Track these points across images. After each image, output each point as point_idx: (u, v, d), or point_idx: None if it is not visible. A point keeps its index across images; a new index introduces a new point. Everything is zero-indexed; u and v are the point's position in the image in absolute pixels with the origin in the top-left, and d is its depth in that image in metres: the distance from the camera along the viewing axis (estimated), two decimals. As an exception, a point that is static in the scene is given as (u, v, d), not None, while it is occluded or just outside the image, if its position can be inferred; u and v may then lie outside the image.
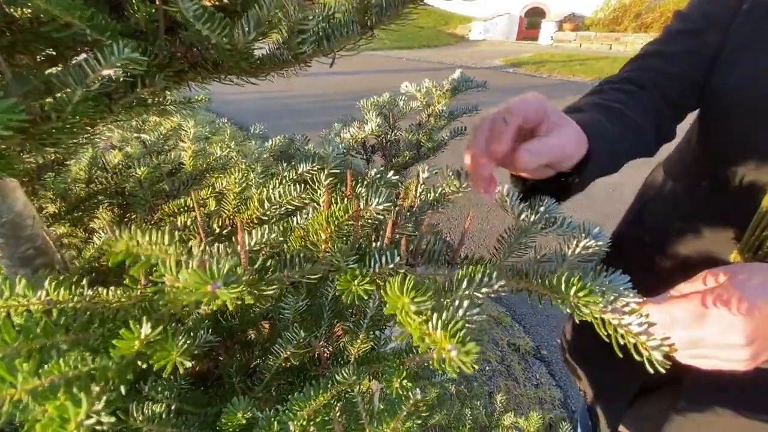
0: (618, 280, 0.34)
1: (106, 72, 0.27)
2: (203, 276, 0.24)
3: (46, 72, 0.34)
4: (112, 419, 0.28)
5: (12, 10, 0.34)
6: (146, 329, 0.30)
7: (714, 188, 0.64)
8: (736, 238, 0.61)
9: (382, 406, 0.42)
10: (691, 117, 0.71)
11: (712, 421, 0.62)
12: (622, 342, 0.31)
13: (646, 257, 0.73)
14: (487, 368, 1.93)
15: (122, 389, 0.30)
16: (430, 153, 1.04)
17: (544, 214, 0.41)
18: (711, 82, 0.61)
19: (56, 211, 0.69)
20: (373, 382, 0.45)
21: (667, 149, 0.76)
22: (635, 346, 0.31)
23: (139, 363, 0.32)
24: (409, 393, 0.39)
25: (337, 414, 0.38)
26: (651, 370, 0.30)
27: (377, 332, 0.53)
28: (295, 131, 1.00)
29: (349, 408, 0.40)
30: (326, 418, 0.37)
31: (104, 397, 0.29)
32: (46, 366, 0.29)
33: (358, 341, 0.47)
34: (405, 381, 0.38)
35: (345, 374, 0.39)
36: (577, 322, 0.33)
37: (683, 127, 0.71)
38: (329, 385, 0.38)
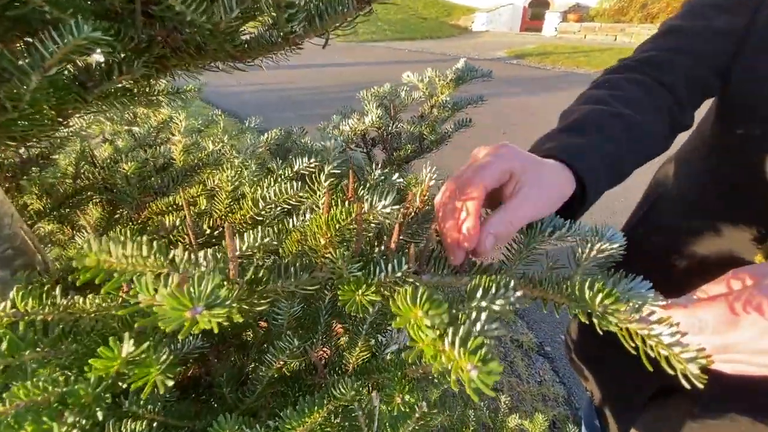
0: (640, 286, 0.31)
1: (65, 55, 0.24)
2: (182, 299, 0.20)
3: (8, 58, 0.31)
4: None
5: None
6: (128, 347, 0.27)
7: (730, 186, 0.60)
8: (755, 239, 0.58)
9: (383, 408, 0.39)
10: (704, 108, 0.67)
11: (732, 429, 0.59)
12: (652, 354, 0.28)
13: (656, 259, 0.69)
14: (490, 365, 1.90)
15: (99, 415, 0.27)
16: (433, 146, 1.00)
17: (551, 223, 0.38)
18: (735, 71, 0.57)
19: (41, 207, 0.66)
20: (373, 393, 0.42)
21: (679, 140, 0.72)
22: (666, 358, 0.28)
23: (119, 384, 0.29)
24: (414, 407, 0.36)
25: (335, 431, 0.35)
26: (687, 385, 0.27)
27: (377, 337, 0.50)
28: (294, 123, 0.97)
29: (349, 423, 0.37)
30: (322, 437, 0.34)
31: (79, 426, 0.25)
32: (10, 389, 0.26)
33: (357, 349, 0.44)
34: (408, 396, 0.34)
35: (342, 388, 0.35)
36: (600, 332, 0.30)
37: (697, 118, 0.67)
38: (325, 401, 0.35)
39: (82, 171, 0.68)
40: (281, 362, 0.40)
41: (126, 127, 0.85)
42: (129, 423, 0.33)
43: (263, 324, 0.62)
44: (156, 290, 0.21)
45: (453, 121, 1.00)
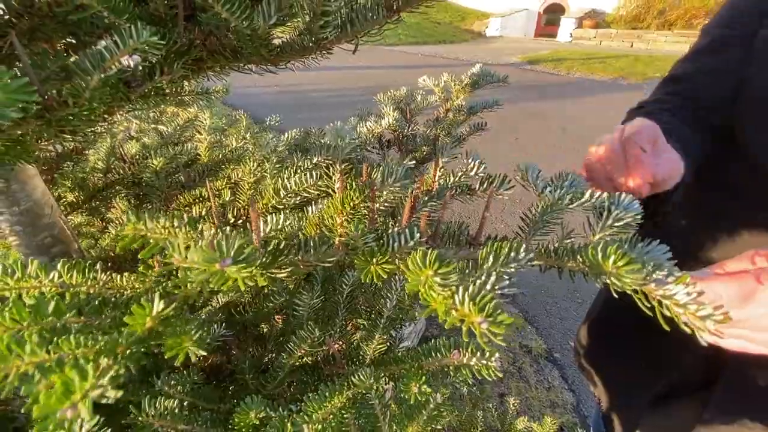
0: (657, 250, 0.31)
1: (124, 56, 0.26)
2: (212, 253, 0.22)
3: (65, 57, 0.33)
4: (119, 393, 0.27)
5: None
6: (158, 305, 0.29)
7: (745, 190, 0.61)
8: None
9: (393, 405, 0.40)
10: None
11: (741, 435, 0.59)
12: (667, 314, 0.29)
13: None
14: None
15: (132, 368, 0.29)
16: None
17: (570, 188, 0.38)
18: (744, 88, 0.58)
19: (74, 200, 0.69)
20: (389, 384, 0.43)
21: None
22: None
23: (151, 343, 0.31)
24: (429, 398, 0.38)
25: (353, 418, 0.37)
26: (704, 343, 0.28)
27: (392, 333, 0.51)
28: (311, 125, 0.99)
29: (366, 411, 0.39)
30: (342, 422, 0.36)
31: (112, 371, 0.27)
32: (55, 343, 0.28)
33: (374, 341, 0.46)
34: (424, 386, 0.36)
35: (362, 376, 0.37)
36: (614, 295, 0.31)
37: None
38: (345, 387, 0.37)
39: (112, 166, 0.71)
40: (302, 350, 0.42)
41: (152, 125, 0.88)
42: (162, 401, 0.36)
43: (279, 318, 0.65)
44: (187, 252, 0.23)
45: (468, 125, 1.01)
